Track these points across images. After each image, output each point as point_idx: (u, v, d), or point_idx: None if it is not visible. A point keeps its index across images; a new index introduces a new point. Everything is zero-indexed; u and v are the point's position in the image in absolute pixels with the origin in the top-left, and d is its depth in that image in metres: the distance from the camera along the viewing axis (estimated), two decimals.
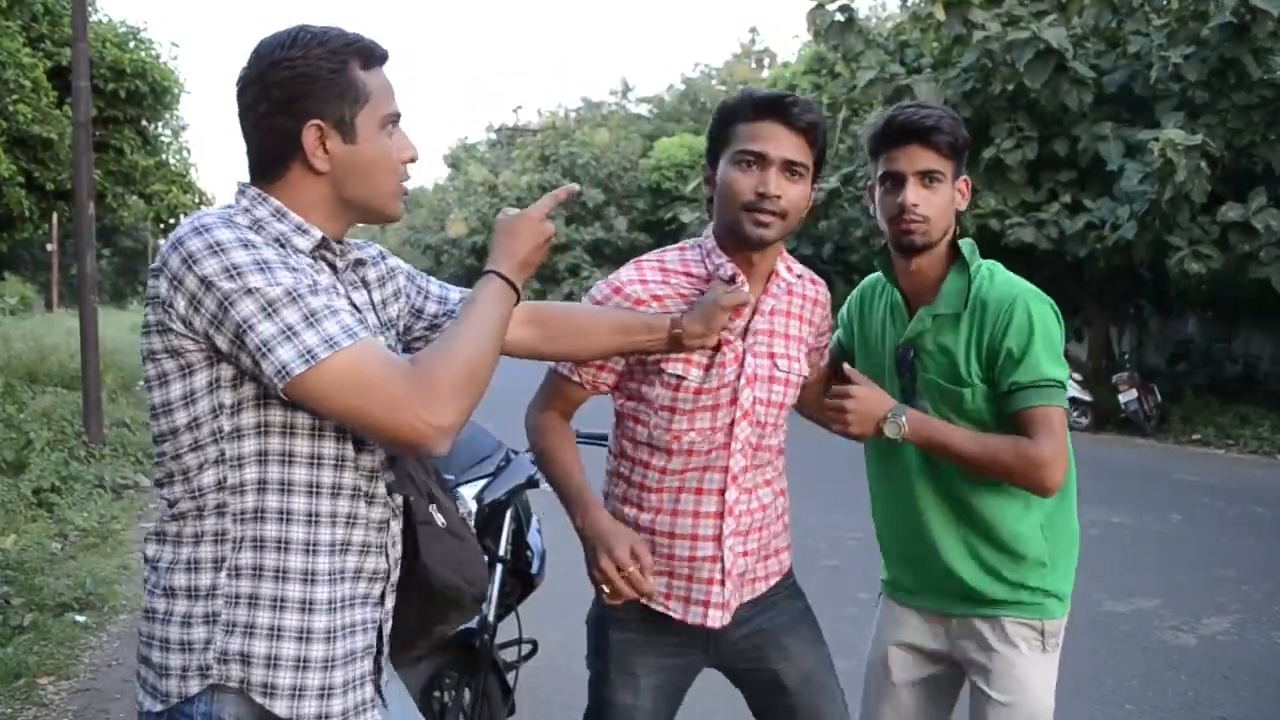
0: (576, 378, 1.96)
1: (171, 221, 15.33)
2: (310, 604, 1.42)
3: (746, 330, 1.94)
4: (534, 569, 3.27)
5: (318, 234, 1.45)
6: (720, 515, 1.93)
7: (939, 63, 14.19)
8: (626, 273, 1.96)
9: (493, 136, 49.96)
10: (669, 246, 2.05)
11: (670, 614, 1.95)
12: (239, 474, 1.39)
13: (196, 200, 15.16)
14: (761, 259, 1.92)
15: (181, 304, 1.32)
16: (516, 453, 3.21)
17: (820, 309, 2.08)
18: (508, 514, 3.05)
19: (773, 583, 2.06)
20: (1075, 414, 13.07)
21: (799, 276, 2.04)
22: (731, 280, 1.89)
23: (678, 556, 1.94)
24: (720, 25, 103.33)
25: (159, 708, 1.43)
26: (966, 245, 2.02)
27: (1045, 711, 2.08)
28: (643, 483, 1.96)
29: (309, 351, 1.28)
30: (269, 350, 1.29)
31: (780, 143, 1.83)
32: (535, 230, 1.53)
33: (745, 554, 1.98)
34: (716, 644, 2.00)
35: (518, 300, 1.51)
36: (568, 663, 4.29)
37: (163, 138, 15.20)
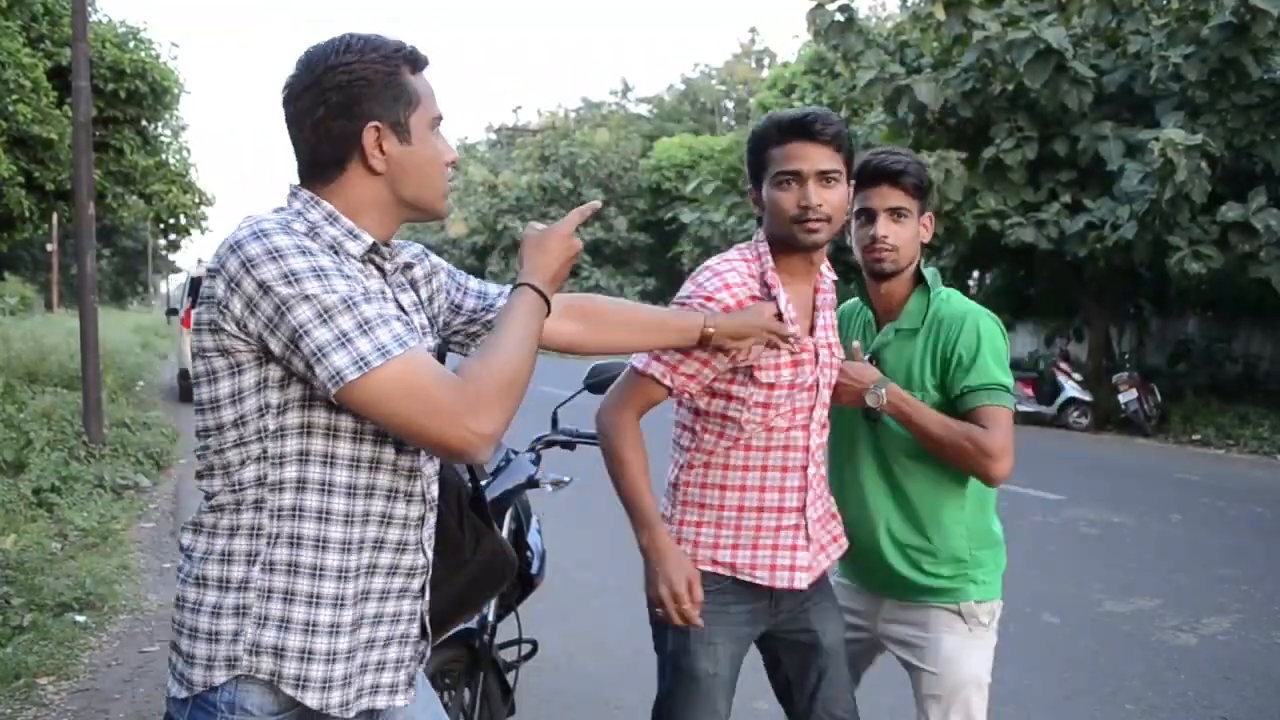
0: (667, 382, 2.05)
1: (171, 221, 15.36)
2: (342, 599, 1.46)
3: (813, 326, 2.16)
4: (534, 569, 3.26)
5: (368, 239, 1.49)
6: (803, 489, 2.13)
7: (939, 63, 14.18)
8: (711, 284, 2.07)
9: (492, 136, 49.95)
10: (728, 253, 2.18)
11: (758, 582, 2.10)
12: (279, 472, 1.42)
13: (196, 200, 15.17)
14: (818, 259, 2.16)
15: (238, 306, 1.36)
16: (516, 452, 3.21)
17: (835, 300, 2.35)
18: (507, 514, 3.05)
19: (838, 546, 2.25)
20: (1075, 414, 13.08)
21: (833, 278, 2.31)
22: (770, 297, 2.07)
23: (764, 528, 2.11)
24: (720, 25, 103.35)
25: (184, 694, 1.46)
26: (930, 272, 2.31)
27: (974, 681, 2.25)
28: (727, 464, 2.11)
29: (362, 358, 1.32)
30: (324, 356, 1.32)
31: (811, 158, 2.02)
32: (564, 245, 1.58)
33: (819, 519, 2.18)
34: (775, 611, 2.17)
35: (548, 312, 1.55)
36: (568, 662, 4.30)
37: (163, 138, 15.21)
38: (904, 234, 2.23)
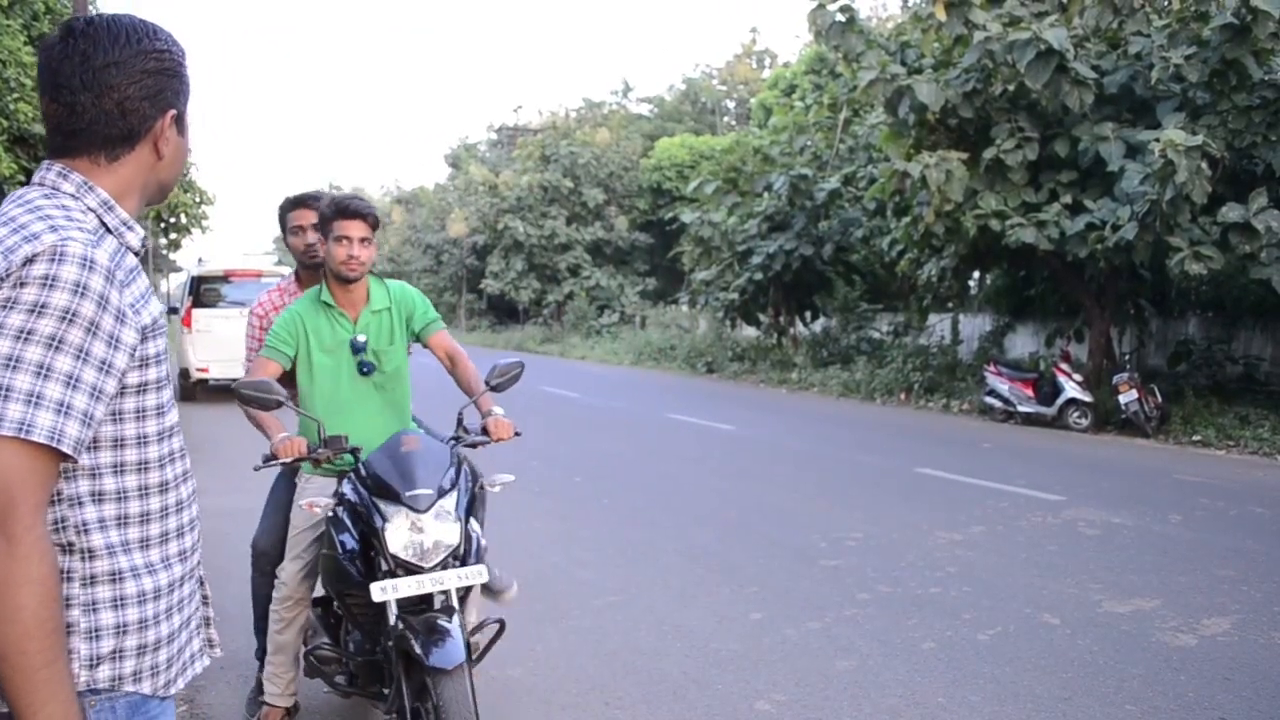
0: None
1: (172, 220, 15.37)
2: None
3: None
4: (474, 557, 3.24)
5: (140, 230, 1.51)
6: None
7: (940, 63, 14.16)
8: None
9: (493, 136, 49.98)
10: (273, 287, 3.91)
11: None
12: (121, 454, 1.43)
13: (197, 199, 15.20)
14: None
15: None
16: (457, 439, 3.25)
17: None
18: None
19: None
20: (1075, 415, 13.07)
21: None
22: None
23: None
24: (721, 25, 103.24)
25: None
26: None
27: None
28: None
29: (22, 424, 1.26)
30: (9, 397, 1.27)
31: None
32: None
33: None
34: None
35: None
36: (567, 662, 4.30)
37: None
38: (369, 254, 3.36)
